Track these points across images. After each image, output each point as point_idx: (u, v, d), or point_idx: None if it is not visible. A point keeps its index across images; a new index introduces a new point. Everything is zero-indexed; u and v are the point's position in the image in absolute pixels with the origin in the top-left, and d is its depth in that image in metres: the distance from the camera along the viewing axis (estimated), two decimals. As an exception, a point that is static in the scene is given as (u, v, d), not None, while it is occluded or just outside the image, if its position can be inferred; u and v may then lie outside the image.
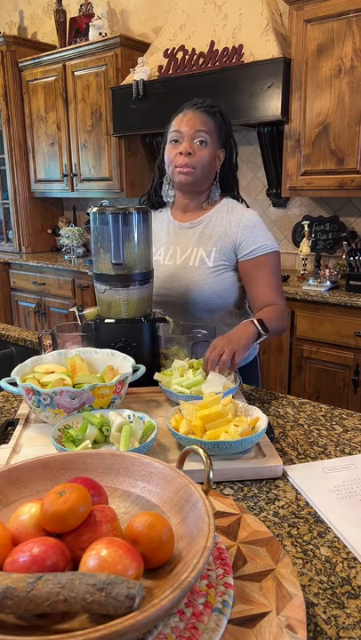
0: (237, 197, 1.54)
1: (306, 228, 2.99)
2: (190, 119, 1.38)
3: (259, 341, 1.28)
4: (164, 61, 3.11)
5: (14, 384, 1.07)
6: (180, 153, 1.38)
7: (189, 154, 1.37)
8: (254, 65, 2.72)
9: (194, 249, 1.46)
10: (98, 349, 1.21)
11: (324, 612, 0.61)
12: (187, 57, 3.01)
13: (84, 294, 3.72)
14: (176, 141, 1.40)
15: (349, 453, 0.99)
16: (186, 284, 1.44)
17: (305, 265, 3.02)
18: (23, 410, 1.15)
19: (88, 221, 3.89)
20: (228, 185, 1.51)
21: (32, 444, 1.00)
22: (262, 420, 0.97)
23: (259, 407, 1.18)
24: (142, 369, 1.16)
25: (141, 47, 3.47)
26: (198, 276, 1.43)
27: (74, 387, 1.05)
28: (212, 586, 0.57)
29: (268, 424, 1.02)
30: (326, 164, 2.69)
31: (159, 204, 1.56)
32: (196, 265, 1.44)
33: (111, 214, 1.22)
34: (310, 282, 2.73)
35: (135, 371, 1.15)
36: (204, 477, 0.62)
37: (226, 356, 1.16)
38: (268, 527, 0.75)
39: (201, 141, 1.37)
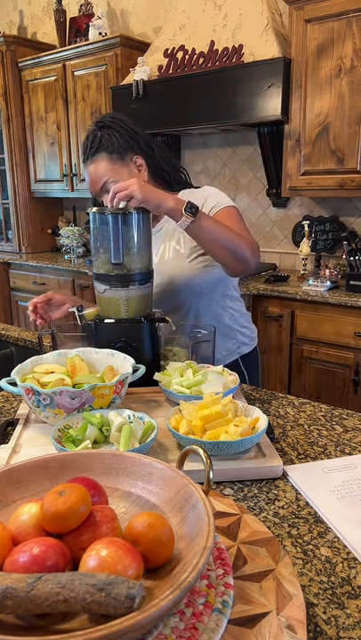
0: (190, 186, 1.54)
1: (306, 228, 2.99)
2: (90, 183, 1.45)
3: (182, 221, 1.21)
4: (164, 61, 3.11)
5: (14, 384, 1.07)
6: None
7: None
8: (254, 65, 2.72)
9: (164, 244, 1.50)
10: (98, 349, 1.21)
11: (325, 613, 0.61)
12: (187, 57, 3.01)
13: (84, 294, 3.72)
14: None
15: (349, 453, 0.99)
16: (168, 276, 1.47)
17: (305, 265, 3.02)
18: (23, 410, 1.15)
19: (88, 221, 3.88)
20: (171, 179, 1.50)
21: (32, 444, 1.00)
22: (262, 420, 0.97)
23: (259, 407, 1.18)
24: (142, 369, 1.16)
25: (141, 47, 3.47)
26: (176, 265, 1.46)
27: (74, 387, 1.05)
28: (212, 586, 0.56)
29: (269, 424, 1.01)
30: (326, 163, 2.69)
31: None
32: (171, 256, 1.47)
33: (111, 214, 1.22)
34: (310, 282, 2.73)
35: (135, 371, 1.15)
36: (204, 477, 0.62)
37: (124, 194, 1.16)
38: (268, 527, 0.75)
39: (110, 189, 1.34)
